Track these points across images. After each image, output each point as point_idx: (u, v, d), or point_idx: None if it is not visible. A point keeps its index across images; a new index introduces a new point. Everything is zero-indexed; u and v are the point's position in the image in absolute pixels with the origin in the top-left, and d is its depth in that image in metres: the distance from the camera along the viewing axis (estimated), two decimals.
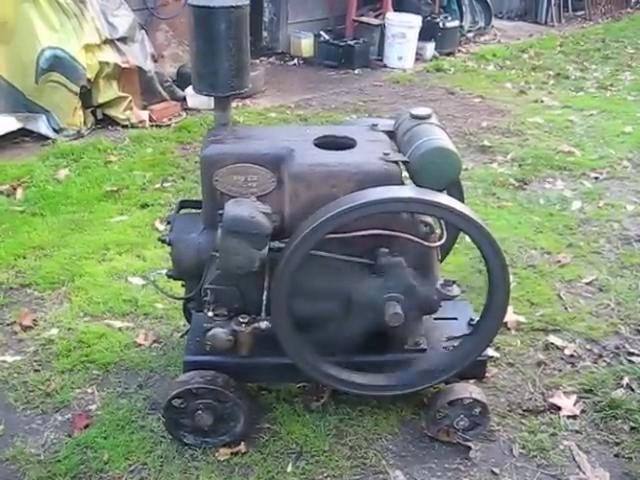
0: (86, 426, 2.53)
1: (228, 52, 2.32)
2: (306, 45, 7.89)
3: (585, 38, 9.59)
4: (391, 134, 2.51)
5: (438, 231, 2.42)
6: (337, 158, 2.31)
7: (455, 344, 2.47)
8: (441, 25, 8.23)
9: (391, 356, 2.47)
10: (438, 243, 2.36)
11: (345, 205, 2.11)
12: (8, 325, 3.09)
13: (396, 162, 2.29)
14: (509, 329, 3.08)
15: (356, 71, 7.57)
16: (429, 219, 2.37)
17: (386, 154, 2.30)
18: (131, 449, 2.43)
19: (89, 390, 2.72)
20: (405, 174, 2.33)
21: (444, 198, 2.21)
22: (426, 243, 2.30)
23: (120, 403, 2.65)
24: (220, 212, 2.18)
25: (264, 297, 2.24)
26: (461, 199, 2.60)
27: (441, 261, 2.61)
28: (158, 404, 2.58)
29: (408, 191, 2.23)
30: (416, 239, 2.27)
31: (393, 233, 2.25)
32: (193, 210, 2.62)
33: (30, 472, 2.34)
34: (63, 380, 2.76)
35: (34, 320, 3.11)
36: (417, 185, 2.28)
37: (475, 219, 2.17)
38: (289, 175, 2.27)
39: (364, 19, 8.04)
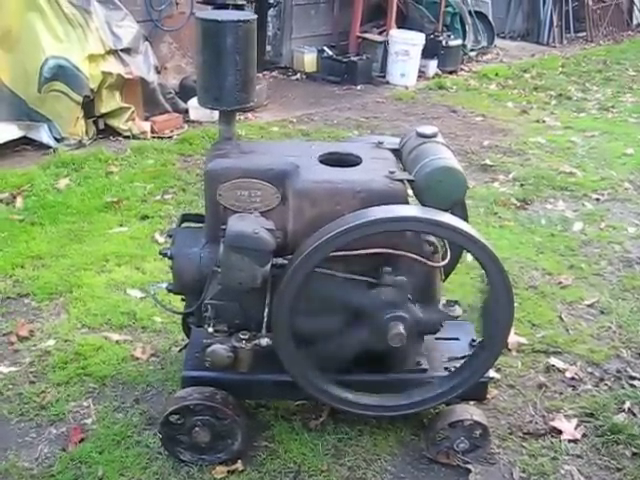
0: (81, 440, 2.50)
1: (234, 66, 2.31)
2: (309, 60, 7.90)
3: (587, 59, 9.63)
4: (396, 152, 2.49)
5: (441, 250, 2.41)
6: (342, 175, 2.29)
7: (457, 365, 2.45)
8: (444, 43, 8.25)
9: (392, 376, 2.44)
10: (442, 263, 2.34)
11: (349, 223, 2.09)
12: (4, 335, 3.06)
13: (401, 181, 2.28)
14: (510, 350, 3.06)
15: (359, 87, 7.57)
16: (433, 238, 2.35)
17: (391, 172, 2.29)
18: (126, 465, 2.39)
19: (85, 403, 2.69)
20: (410, 193, 2.31)
21: (449, 218, 2.19)
22: (430, 263, 2.28)
23: (116, 417, 2.61)
24: (223, 227, 2.17)
25: (265, 314, 2.22)
26: (465, 219, 2.58)
27: (444, 280, 2.59)
28: (155, 419, 2.55)
29: (413, 210, 2.21)
30: (420, 258, 2.25)
31: (397, 252, 2.23)
32: (195, 224, 2.60)
33: None
34: (59, 392, 2.72)
35: (31, 331, 3.08)
36: (422, 204, 2.27)
37: (480, 240, 2.15)
38: (293, 191, 2.25)
39: (368, 35, 8.06)
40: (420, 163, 2.27)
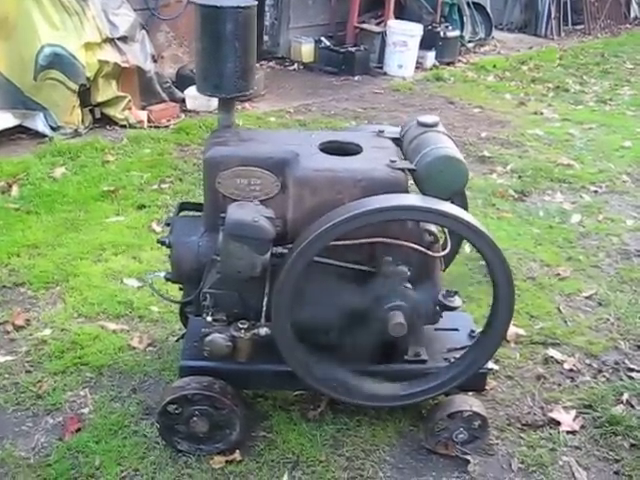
0: (78, 430, 2.48)
1: (234, 53, 2.28)
2: (307, 50, 7.87)
3: (584, 52, 9.62)
4: (397, 141, 2.48)
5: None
6: (343, 164, 2.27)
7: (456, 355, 2.44)
8: (442, 34, 8.23)
9: (391, 367, 2.43)
10: (442, 253, 2.33)
11: (350, 212, 2.07)
12: (0, 324, 3.03)
13: (402, 170, 2.26)
14: (508, 342, 3.05)
15: (356, 78, 7.55)
16: (433, 228, 2.34)
17: (392, 161, 2.27)
18: (123, 455, 2.38)
19: (81, 393, 2.67)
20: (411, 182, 2.30)
21: (450, 207, 2.18)
22: (430, 253, 2.27)
23: (113, 407, 2.60)
24: (222, 215, 2.15)
25: (264, 303, 2.20)
26: (465, 209, 2.56)
27: (444, 270, 2.57)
28: (152, 409, 2.54)
29: (414, 199, 2.20)
30: (420, 248, 2.24)
31: (397, 242, 2.21)
32: (193, 212, 2.58)
33: (19, 476, 2.29)
34: (55, 382, 2.71)
35: (27, 320, 3.06)
36: (423, 193, 2.25)
37: (482, 229, 2.14)
38: (293, 180, 2.23)
39: (365, 26, 8.03)
40: (421, 152, 2.26)
